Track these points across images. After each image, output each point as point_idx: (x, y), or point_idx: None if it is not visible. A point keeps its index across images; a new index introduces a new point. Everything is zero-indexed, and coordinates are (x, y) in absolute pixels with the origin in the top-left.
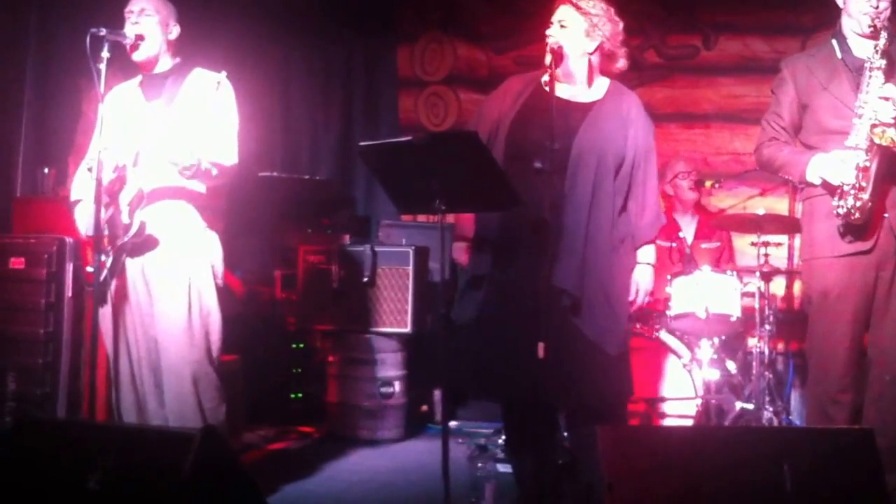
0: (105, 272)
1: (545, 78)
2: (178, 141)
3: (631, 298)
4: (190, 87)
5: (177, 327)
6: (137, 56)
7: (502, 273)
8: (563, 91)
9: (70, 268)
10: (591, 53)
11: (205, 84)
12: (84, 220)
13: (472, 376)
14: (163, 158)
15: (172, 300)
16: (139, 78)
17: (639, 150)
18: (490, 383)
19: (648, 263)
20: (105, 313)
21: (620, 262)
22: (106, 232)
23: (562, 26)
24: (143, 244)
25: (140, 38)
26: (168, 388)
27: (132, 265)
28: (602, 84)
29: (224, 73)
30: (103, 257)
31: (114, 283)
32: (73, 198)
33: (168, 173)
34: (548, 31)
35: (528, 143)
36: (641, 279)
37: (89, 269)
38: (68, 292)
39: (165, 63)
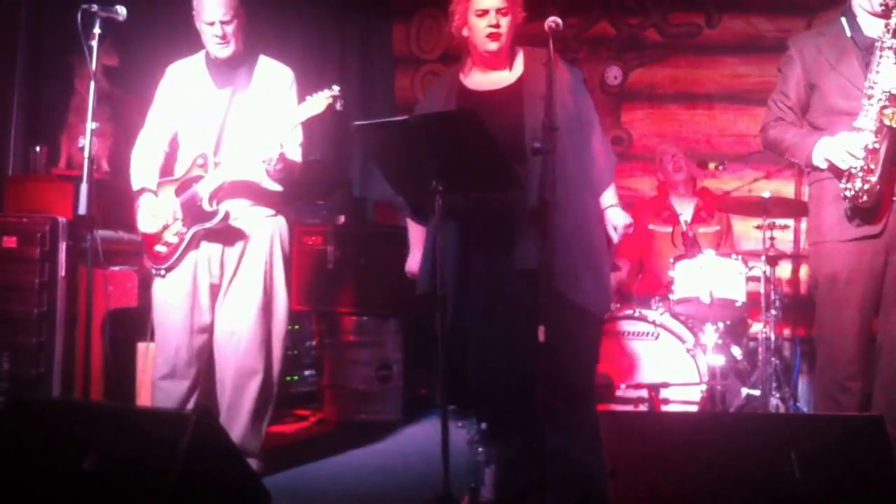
0: (177, 254)
1: (470, 74)
2: (261, 133)
3: (615, 240)
4: (262, 76)
5: (250, 314)
6: (223, 54)
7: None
8: (486, 80)
9: (63, 247)
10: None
11: (277, 75)
12: (146, 217)
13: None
14: (245, 149)
15: (249, 286)
16: (201, 59)
17: (571, 103)
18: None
19: (614, 205)
20: (169, 295)
21: (590, 219)
22: (180, 215)
23: (503, 13)
24: (222, 232)
25: (227, 41)
26: (231, 374)
27: (207, 249)
28: (520, 56)
29: (292, 74)
30: (176, 239)
31: (186, 267)
32: (136, 186)
33: (248, 163)
34: (493, 22)
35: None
36: (614, 218)
37: (158, 248)
38: (62, 271)
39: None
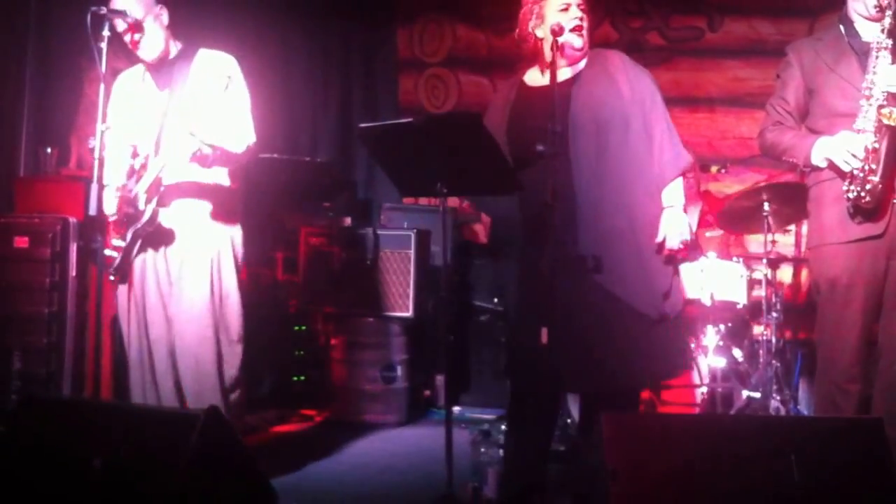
0: (121, 256)
1: (531, 73)
2: (193, 126)
3: (658, 241)
4: (198, 70)
5: (198, 308)
6: (147, 57)
7: (526, 264)
8: (547, 77)
9: (74, 247)
10: None
11: (212, 66)
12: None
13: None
14: (182, 145)
15: (194, 282)
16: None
17: (641, 98)
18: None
19: (674, 206)
20: (123, 294)
21: (645, 219)
22: (124, 218)
23: (582, 8)
24: (157, 233)
25: (138, 44)
26: (186, 367)
27: (154, 247)
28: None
29: (233, 61)
30: (120, 241)
31: (136, 264)
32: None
33: (184, 160)
34: (578, 15)
35: (528, 137)
36: (666, 223)
37: (108, 252)
38: (72, 272)
39: (170, 49)
